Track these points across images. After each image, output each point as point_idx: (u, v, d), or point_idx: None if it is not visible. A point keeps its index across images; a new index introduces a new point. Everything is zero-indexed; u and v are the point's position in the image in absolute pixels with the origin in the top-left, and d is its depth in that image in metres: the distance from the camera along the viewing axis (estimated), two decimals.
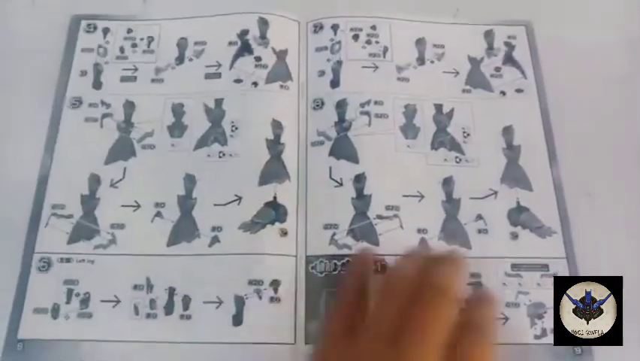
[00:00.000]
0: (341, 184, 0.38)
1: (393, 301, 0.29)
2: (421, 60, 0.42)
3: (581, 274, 0.36)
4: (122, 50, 0.42)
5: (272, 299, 0.35)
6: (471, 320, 0.30)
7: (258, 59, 0.41)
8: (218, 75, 0.41)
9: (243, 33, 0.42)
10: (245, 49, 0.42)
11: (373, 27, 0.43)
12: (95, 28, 0.43)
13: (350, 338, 0.30)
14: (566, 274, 0.36)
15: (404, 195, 0.38)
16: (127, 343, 0.34)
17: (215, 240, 0.36)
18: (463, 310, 0.30)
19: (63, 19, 0.43)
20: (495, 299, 0.32)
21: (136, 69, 0.42)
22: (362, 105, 0.40)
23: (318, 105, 0.40)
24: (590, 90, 0.41)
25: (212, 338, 0.34)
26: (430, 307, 0.28)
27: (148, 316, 0.35)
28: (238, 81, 0.41)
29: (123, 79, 0.41)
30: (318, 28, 0.43)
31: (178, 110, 0.40)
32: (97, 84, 0.41)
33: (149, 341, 0.34)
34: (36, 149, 0.39)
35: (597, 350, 0.33)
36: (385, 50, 0.42)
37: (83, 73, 0.42)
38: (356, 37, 0.42)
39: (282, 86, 0.41)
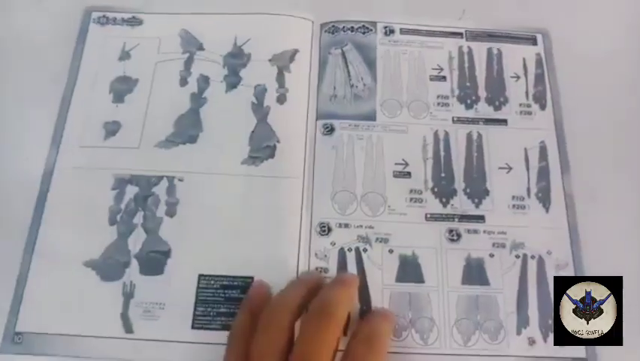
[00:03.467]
0: None
1: (269, 334, 0.29)
2: None
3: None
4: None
5: None
6: (360, 332, 0.30)
7: None
8: None
9: None
10: None
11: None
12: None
13: None
14: None
15: None
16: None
17: None
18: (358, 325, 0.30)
19: (74, 15, 0.42)
20: (389, 315, 0.32)
21: None
22: None
23: None
24: (603, 98, 0.41)
25: None
26: (315, 332, 0.28)
27: None
28: None
29: None
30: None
31: None
32: None
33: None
34: (42, 146, 0.38)
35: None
36: None
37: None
38: None
39: None
